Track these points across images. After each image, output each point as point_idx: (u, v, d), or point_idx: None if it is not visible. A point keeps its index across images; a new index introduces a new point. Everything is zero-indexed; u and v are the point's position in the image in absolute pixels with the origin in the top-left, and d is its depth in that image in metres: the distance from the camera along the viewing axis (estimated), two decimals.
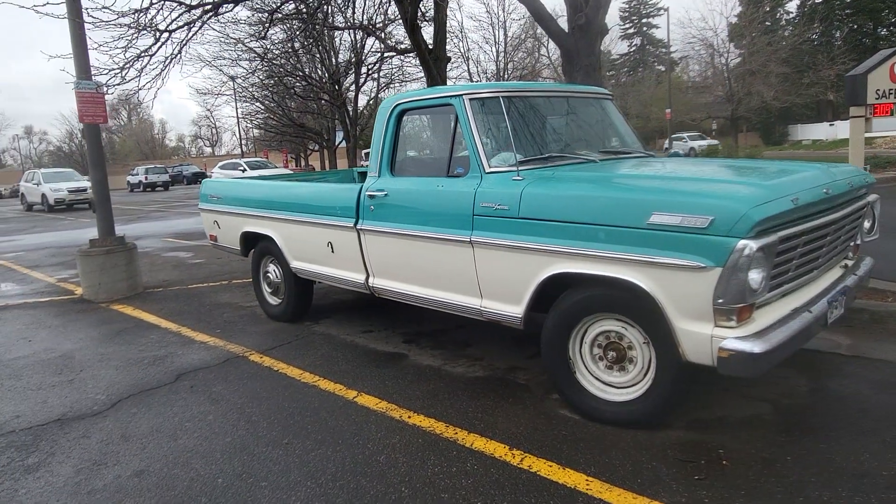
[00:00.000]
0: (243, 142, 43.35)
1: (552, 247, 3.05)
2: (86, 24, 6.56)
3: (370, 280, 4.29)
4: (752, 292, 2.53)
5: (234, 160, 29.17)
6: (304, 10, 9.47)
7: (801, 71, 30.58)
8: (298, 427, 3.29)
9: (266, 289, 5.53)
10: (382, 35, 12.93)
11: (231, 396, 3.77)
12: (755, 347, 2.50)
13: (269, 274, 5.44)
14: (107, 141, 73.41)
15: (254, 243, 5.49)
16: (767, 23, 40.18)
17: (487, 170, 3.48)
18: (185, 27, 8.19)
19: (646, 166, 3.64)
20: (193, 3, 6.82)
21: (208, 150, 78.24)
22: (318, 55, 21.13)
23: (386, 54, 18.30)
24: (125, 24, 6.60)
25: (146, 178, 37.28)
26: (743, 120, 36.74)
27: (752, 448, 2.79)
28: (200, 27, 8.45)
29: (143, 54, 7.71)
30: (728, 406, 3.25)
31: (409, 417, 3.34)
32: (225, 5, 8.33)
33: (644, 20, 59.82)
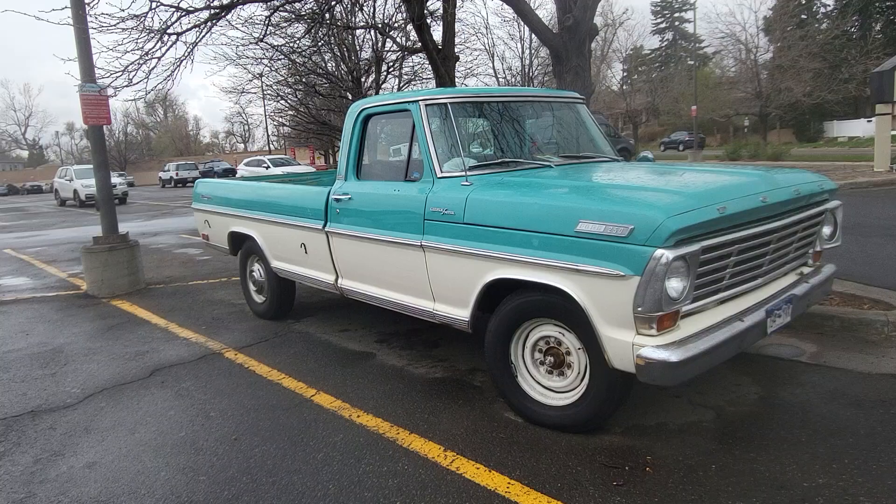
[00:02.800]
0: (274, 139, 44.00)
1: (492, 252, 3.10)
2: (90, 29, 6.80)
3: (339, 281, 4.39)
4: (671, 301, 2.55)
5: (258, 157, 29.67)
6: (316, 10, 9.63)
7: (836, 66, 29.69)
8: (251, 424, 3.41)
9: (252, 287, 5.68)
10: (394, 34, 13.00)
11: (197, 392, 3.91)
12: (672, 356, 2.52)
13: (254, 273, 5.59)
14: (143, 137, 75.39)
15: (241, 243, 5.65)
16: (803, 16, 39.10)
17: (439, 175, 3.54)
18: (194, 29, 8.41)
19: (596, 172, 3.65)
20: (188, 8, 6.99)
21: (241, 146, 79.62)
22: (338, 53, 21.34)
23: (406, 53, 18.38)
24: (128, 28, 6.81)
25: (177, 175, 38.21)
26: (774, 117, 35.87)
27: (681, 455, 2.81)
28: (209, 29, 8.66)
29: (149, 57, 7.92)
30: (671, 412, 3.26)
31: (358, 417, 3.43)
32: (234, 8, 8.50)
33: (676, 14, 58.76)
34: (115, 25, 6.85)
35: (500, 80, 33.66)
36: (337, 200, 4.19)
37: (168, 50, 8.16)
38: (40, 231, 15.36)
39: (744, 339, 2.84)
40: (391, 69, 22.23)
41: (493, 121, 3.98)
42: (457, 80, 23.41)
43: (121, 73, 6.92)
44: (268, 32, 11.58)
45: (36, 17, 6.53)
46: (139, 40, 7.44)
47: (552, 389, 3.16)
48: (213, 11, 8.17)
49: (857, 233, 7.91)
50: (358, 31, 19.99)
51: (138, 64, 7.57)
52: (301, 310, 5.74)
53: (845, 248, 6.77)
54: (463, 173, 3.47)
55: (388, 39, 20.86)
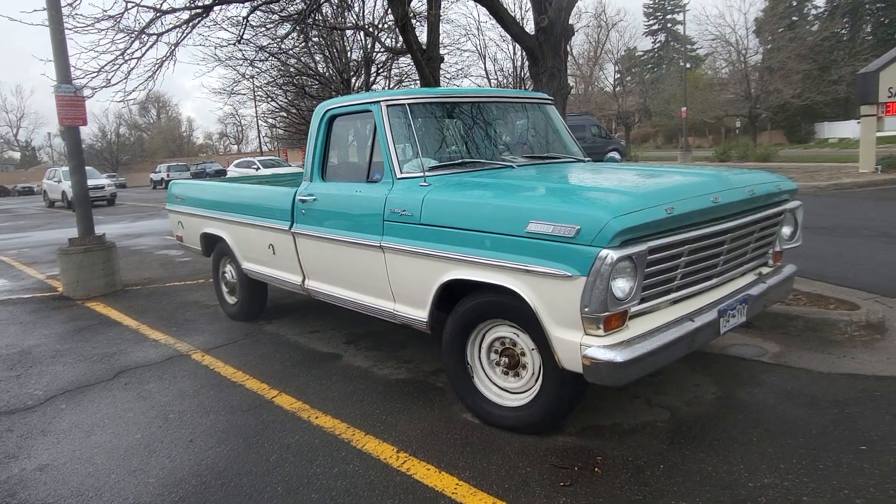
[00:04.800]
0: (268, 140, 43.86)
1: (448, 253, 3.09)
2: (67, 31, 6.77)
3: (305, 282, 4.38)
4: (617, 301, 2.55)
5: (248, 159, 29.60)
6: (302, 10, 9.61)
7: (825, 67, 29.82)
8: (208, 426, 3.39)
9: (224, 288, 5.66)
10: (383, 36, 12.98)
11: (159, 394, 3.89)
12: (618, 357, 2.52)
13: (226, 274, 5.57)
14: (136, 138, 75.17)
15: (214, 244, 5.62)
16: (794, 17, 39.27)
17: (399, 175, 3.54)
18: (175, 30, 8.38)
19: (555, 173, 3.65)
20: (165, 9, 6.96)
21: (235, 147, 79.38)
22: (328, 54, 21.31)
23: (393, 54, 18.36)
24: (104, 29, 6.78)
25: (168, 176, 38.04)
26: (765, 118, 36.02)
27: (631, 456, 2.81)
28: (191, 30, 8.63)
29: (128, 58, 7.88)
30: (628, 412, 3.26)
31: (317, 418, 3.41)
32: (211, 9, 8.46)
33: (668, 16, 58.97)
34: (90, 26, 6.81)
35: (492, 81, 33.71)
36: (302, 201, 4.17)
37: (147, 50, 8.13)
38: (25, 233, 15.28)
39: (694, 340, 2.84)
40: (380, 70, 22.24)
41: (456, 121, 3.98)
42: (448, 81, 23.41)
43: (96, 74, 6.88)
44: (256, 33, 11.55)
45: (10, 18, 6.48)
46: (115, 40, 7.40)
47: (508, 390, 3.16)
48: (193, 12, 8.15)
49: (833, 234, 7.96)
50: (348, 32, 19.99)
51: (116, 64, 7.54)
52: (274, 311, 5.72)
53: (819, 248, 6.81)
54: (421, 174, 3.47)
55: (376, 41, 20.88)
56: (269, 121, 32.80)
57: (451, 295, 3.26)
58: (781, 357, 3.88)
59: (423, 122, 3.80)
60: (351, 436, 3.18)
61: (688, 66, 45.38)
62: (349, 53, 22.33)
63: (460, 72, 25.16)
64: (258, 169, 24.74)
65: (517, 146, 4.27)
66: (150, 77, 8.65)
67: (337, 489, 2.68)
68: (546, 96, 4.60)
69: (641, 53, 58.36)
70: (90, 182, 23.61)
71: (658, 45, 59.96)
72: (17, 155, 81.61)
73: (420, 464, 2.85)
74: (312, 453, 3.01)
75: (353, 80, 22.39)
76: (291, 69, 21.62)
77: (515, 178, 3.38)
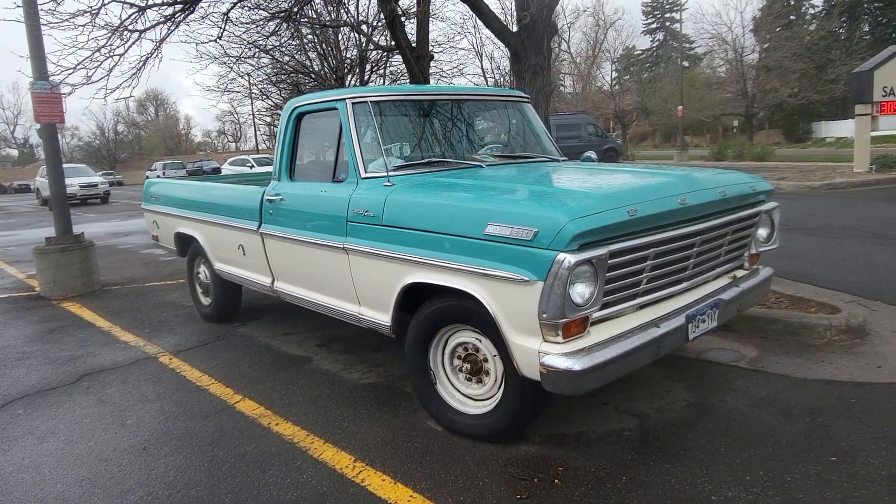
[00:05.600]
0: (266, 138, 43.67)
1: (409, 255, 2.99)
2: (43, 26, 6.66)
3: (274, 284, 4.28)
4: (576, 307, 2.45)
5: (243, 157, 29.47)
6: (290, 6, 9.50)
7: (822, 66, 29.69)
8: (164, 432, 3.29)
9: (198, 289, 5.56)
10: (375, 34, 12.87)
11: (119, 399, 3.79)
12: (576, 365, 2.42)
13: (199, 275, 5.47)
14: (134, 136, 75.03)
15: (188, 244, 5.52)
16: (792, 17, 39.15)
17: (363, 175, 3.43)
18: (159, 26, 8.26)
19: (523, 173, 3.55)
20: (141, 5, 6.84)
21: (233, 145, 79.13)
22: (321, 51, 21.18)
23: (383, 52, 18.22)
24: (81, 25, 6.67)
25: (164, 174, 37.90)
26: (763, 117, 35.89)
27: (593, 466, 2.71)
28: (175, 27, 8.51)
29: (110, 54, 7.76)
30: (596, 420, 3.16)
31: (277, 425, 3.31)
32: (194, 5, 8.34)
33: (667, 14, 58.81)
34: (66, 21, 6.69)
35: (489, 79, 33.54)
36: (270, 201, 4.07)
37: (130, 47, 8.01)
38: (13, 231, 15.16)
39: (661, 346, 2.74)
40: (375, 68, 22.11)
41: (426, 120, 3.88)
42: (444, 79, 23.20)
43: (73, 70, 6.76)
44: (246, 30, 11.41)
45: None
46: (91, 36, 7.26)
47: (472, 397, 3.06)
48: (175, 8, 8.02)
49: (823, 234, 7.86)
50: (344, 30, 19.86)
51: (96, 61, 7.42)
52: (250, 312, 5.62)
53: (807, 249, 6.72)
54: (385, 174, 3.36)
55: (369, 39, 20.76)
56: (266, 118, 32.75)
57: (413, 299, 3.16)
58: (758, 362, 3.78)
59: (390, 120, 3.70)
60: (309, 444, 3.08)
61: (686, 64, 45.27)
62: (345, 51, 22.24)
63: (455, 69, 25.03)
64: (252, 167, 24.61)
65: (491, 146, 4.17)
66: (134, 75, 8.56)
67: (287, 501, 2.58)
68: (522, 94, 4.49)
69: (640, 52, 58.20)
70: (84, 180, 23.68)
71: (656, 43, 59.79)
72: (14, 152, 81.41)
73: (376, 474, 2.75)
74: (267, 462, 2.91)
75: (348, 78, 22.30)
76: (286, 67, 21.50)
77: (481, 179, 3.28)
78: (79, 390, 3.97)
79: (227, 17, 7.34)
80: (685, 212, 2.84)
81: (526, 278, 2.46)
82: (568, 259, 2.35)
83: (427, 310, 3.05)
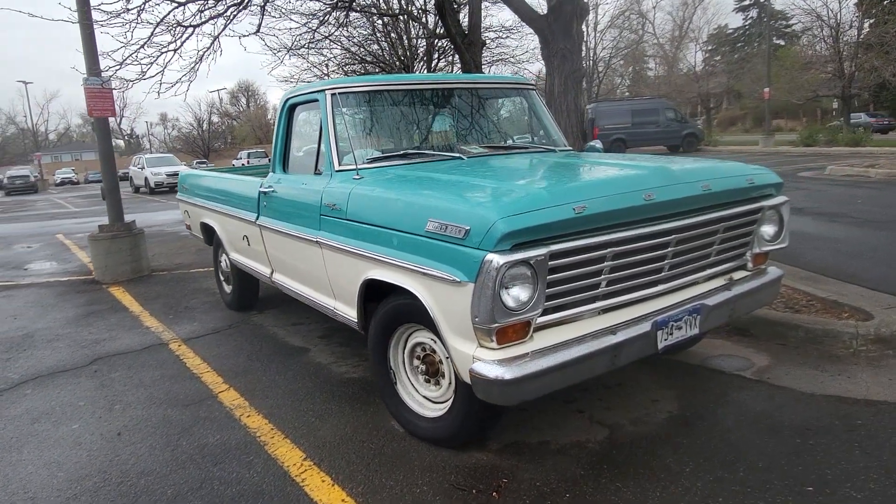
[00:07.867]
0: None
1: (365, 251, 2.91)
2: (95, 24, 7.02)
3: (273, 275, 4.31)
4: (509, 312, 2.28)
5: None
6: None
7: None
8: (143, 419, 3.39)
9: (221, 277, 5.72)
10: (424, 20, 12.79)
11: (118, 384, 3.94)
12: (506, 374, 2.26)
13: (221, 263, 5.62)
14: (227, 126, 78.91)
15: (212, 234, 5.68)
16: None
17: (337, 168, 3.37)
18: (213, 20, 8.53)
19: (496, 166, 3.37)
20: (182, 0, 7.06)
21: None
22: (388, 40, 21.34)
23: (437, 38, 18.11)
24: (127, 21, 6.97)
25: (248, 162, 39.65)
26: (866, 98, 32.95)
27: (540, 480, 2.54)
28: (230, 21, 8.77)
29: (164, 50, 8.09)
30: (563, 429, 2.97)
31: (248, 417, 3.34)
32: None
33: None
34: (115, 16, 7.00)
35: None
36: (264, 193, 4.10)
37: (183, 42, 8.32)
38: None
39: (618, 355, 2.52)
40: (442, 55, 22.04)
41: (412, 110, 3.76)
42: (518, 66, 22.74)
43: (119, 66, 7.10)
44: (308, 20, 11.61)
45: (30, 14, 6.78)
46: (130, 32, 7.51)
47: (430, 399, 2.95)
48: (229, 4, 8.24)
49: (890, 229, 7.09)
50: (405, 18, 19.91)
51: (151, 56, 7.75)
52: (269, 301, 5.72)
53: (871, 246, 6.07)
54: (355, 166, 3.29)
55: (438, 25, 20.67)
56: None
57: (378, 295, 3.08)
58: (766, 372, 3.43)
59: (370, 111, 3.62)
60: (270, 439, 3.07)
61: (781, 42, 42.16)
62: (415, 39, 22.31)
63: (528, 53, 24.51)
64: None
65: (484, 135, 3.99)
66: (192, 69, 8.92)
67: (224, 496, 2.58)
68: (525, 80, 4.28)
69: (731, 31, 54.85)
70: (172, 169, 25.04)
71: (749, 21, 56.09)
72: (121, 143, 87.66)
73: (318, 474, 2.70)
74: (222, 455, 2.93)
75: (414, 66, 22.35)
76: (357, 56, 21.82)
77: (447, 172, 3.12)
78: (86, 374, 4.17)
79: (264, 9, 7.46)
80: (653, 208, 2.59)
81: (457, 279, 2.32)
82: (496, 260, 2.19)
83: (384, 308, 2.96)
